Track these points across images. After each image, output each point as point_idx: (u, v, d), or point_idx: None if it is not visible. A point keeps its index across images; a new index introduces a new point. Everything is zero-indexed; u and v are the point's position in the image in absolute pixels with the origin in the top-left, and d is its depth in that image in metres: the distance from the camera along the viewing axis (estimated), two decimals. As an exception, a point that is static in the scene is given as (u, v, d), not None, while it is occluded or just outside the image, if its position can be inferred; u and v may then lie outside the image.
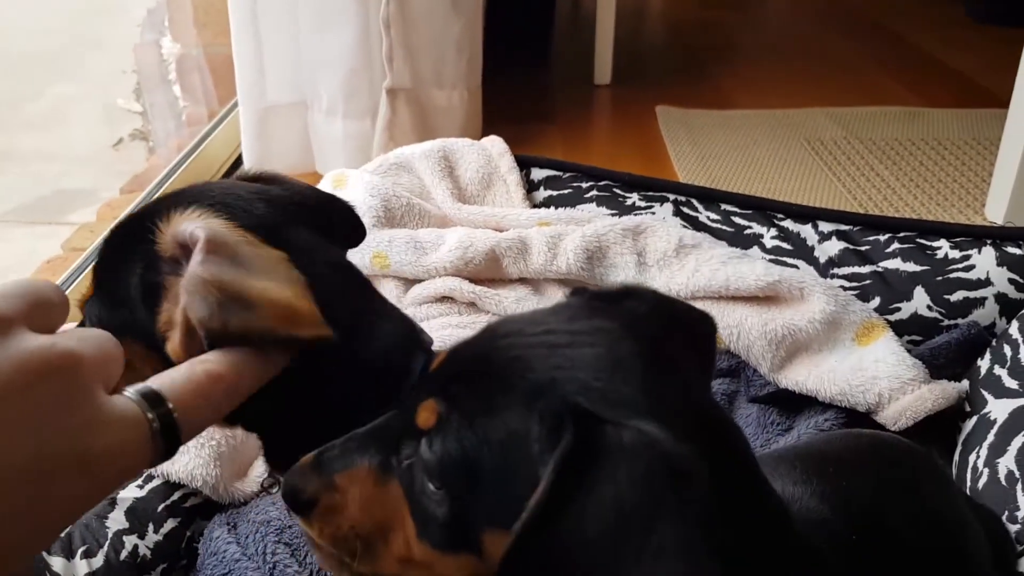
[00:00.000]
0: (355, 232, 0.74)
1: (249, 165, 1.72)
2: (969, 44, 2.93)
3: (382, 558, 0.53)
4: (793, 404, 1.11)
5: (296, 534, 0.88)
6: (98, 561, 0.88)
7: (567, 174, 1.36)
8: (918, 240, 1.20)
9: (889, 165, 2.04)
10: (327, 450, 0.54)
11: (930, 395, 1.03)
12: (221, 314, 0.54)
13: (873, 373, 1.06)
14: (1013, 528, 0.86)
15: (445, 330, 1.11)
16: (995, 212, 1.73)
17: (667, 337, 0.54)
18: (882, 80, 2.63)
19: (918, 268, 1.17)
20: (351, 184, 1.29)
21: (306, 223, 0.67)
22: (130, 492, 0.94)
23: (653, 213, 1.28)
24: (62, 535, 0.88)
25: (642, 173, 2.04)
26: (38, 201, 2.39)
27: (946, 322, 1.15)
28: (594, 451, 0.43)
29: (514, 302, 1.16)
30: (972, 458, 0.99)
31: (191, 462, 0.94)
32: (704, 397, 0.56)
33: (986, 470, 0.94)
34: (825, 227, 1.25)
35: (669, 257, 1.18)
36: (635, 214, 1.29)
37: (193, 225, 0.58)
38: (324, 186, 1.33)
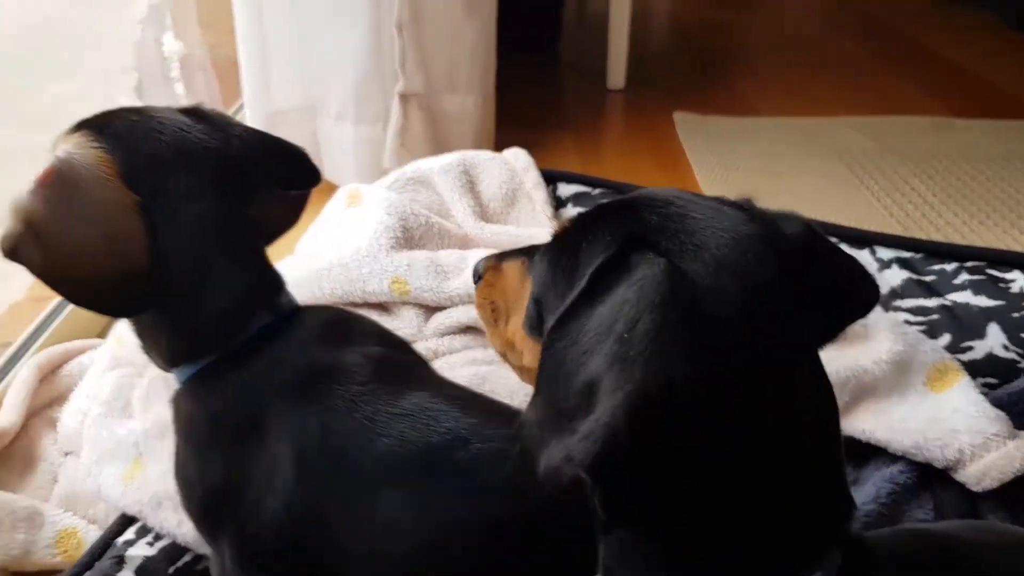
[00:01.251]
0: (300, 175, 0.79)
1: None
2: (1001, 52, 2.79)
3: (498, 333, 0.64)
4: (859, 452, 0.97)
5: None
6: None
7: (596, 190, 1.22)
8: (988, 271, 1.06)
9: (924, 179, 1.90)
10: (511, 251, 0.66)
11: (1018, 453, 0.89)
12: (13, 242, 0.63)
13: (951, 425, 0.92)
14: None
15: (468, 367, 0.97)
16: (1043, 232, 1.60)
17: (794, 258, 0.52)
18: (907, 89, 2.49)
19: (991, 303, 1.03)
20: (366, 200, 1.15)
21: (200, 169, 0.69)
22: (139, 550, 0.83)
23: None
24: None
25: (663, 182, 1.94)
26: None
27: (1024, 363, 1.02)
28: (630, 265, 0.48)
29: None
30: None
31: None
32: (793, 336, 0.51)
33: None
34: (884, 254, 1.11)
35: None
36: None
37: (61, 151, 0.65)
38: (338, 202, 1.19)
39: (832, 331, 0.59)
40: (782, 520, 0.49)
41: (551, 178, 1.24)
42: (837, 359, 0.98)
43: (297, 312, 0.76)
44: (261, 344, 0.72)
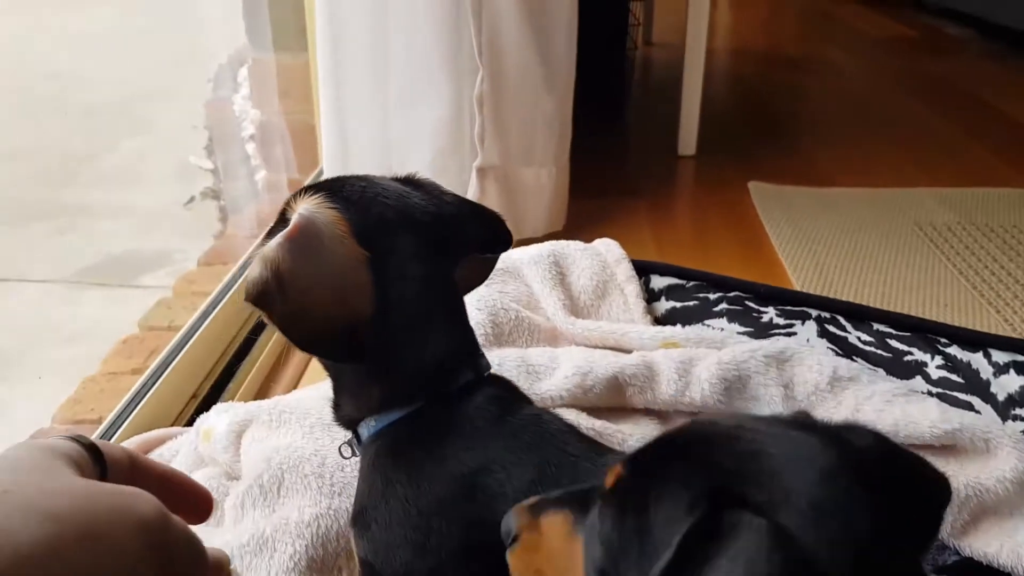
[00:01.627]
0: (496, 239, 0.82)
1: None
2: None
3: None
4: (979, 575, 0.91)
5: None
6: None
7: (691, 283, 1.17)
8: (1116, 378, 0.99)
9: (1012, 255, 1.83)
10: (547, 497, 0.58)
11: None
12: (260, 288, 0.66)
13: (1087, 553, 0.85)
14: None
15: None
16: None
17: (878, 477, 0.47)
18: (988, 159, 2.41)
19: (1121, 414, 0.97)
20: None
21: (421, 231, 0.74)
22: None
23: (795, 333, 1.09)
24: None
25: (741, 258, 1.88)
26: (111, 261, 2.28)
27: None
28: (724, 530, 0.43)
29: (639, 441, 0.97)
30: None
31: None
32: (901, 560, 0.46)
33: None
34: (1000, 357, 1.05)
35: (822, 391, 0.99)
36: (773, 333, 1.09)
37: (304, 209, 0.69)
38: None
39: (924, 542, 0.53)
40: None
41: (644, 270, 1.19)
42: (957, 476, 0.92)
43: (490, 376, 0.79)
44: (462, 399, 0.74)
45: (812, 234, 1.93)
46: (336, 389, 0.79)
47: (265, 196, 2.17)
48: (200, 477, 0.94)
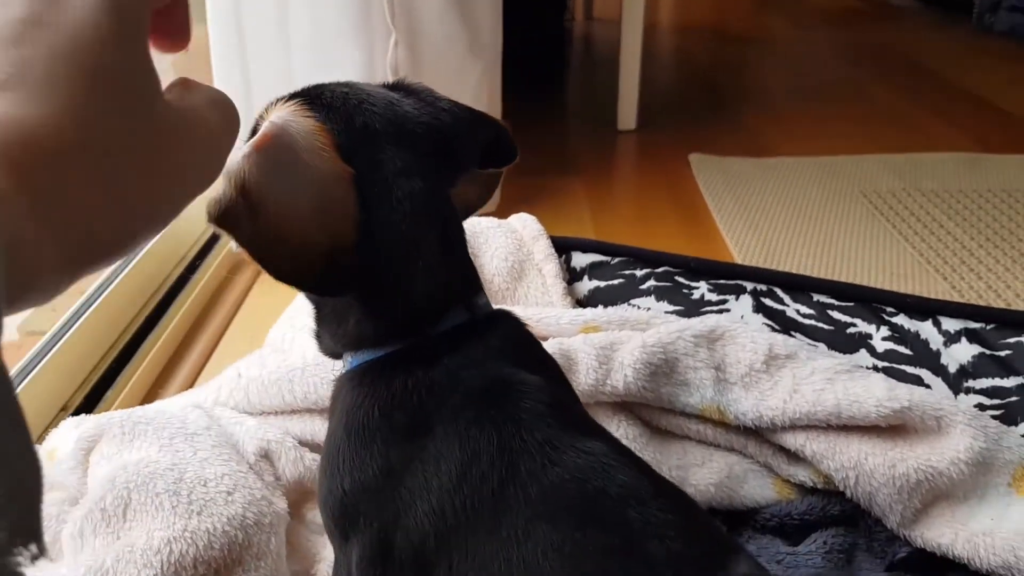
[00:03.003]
0: (500, 151, 0.72)
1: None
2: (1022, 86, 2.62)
3: None
4: (933, 567, 0.79)
5: None
6: None
7: (616, 259, 1.04)
8: (1077, 343, 0.88)
9: (958, 220, 1.73)
10: None
11: None
12: (223, 207, 0.55)
13: (1051, 541, 0.74)
14: None
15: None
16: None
17: None
18: (932, 124, 2.32)
19: (1083, 382, 0.86)
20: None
21: (414, 144, 0.65)
22: None
23: (728, 310, 0.96)
24: None
25: (683, 232, 1.76)
26: None
27: None
28: None
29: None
30: None
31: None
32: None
33: None
34: (950, 325, 0.93)
35: (757, 372, 0.86)
36: (705, 311, 0.97)
37: (276, 117, 0.59)
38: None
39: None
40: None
41: (564, 247, 1.06)
42: (906, 458, 0.80)
43: (493, 318, 0.69)
44: (451, 341, 0.65)
45: (754, 205, 1.82)
46: (317, 319, 0.71)
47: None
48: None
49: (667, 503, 0.58)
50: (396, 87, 0.70)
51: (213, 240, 1.53)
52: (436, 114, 0.68)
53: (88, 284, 1.27)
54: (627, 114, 2.26)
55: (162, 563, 0.69)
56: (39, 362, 1.04)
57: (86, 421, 0.84)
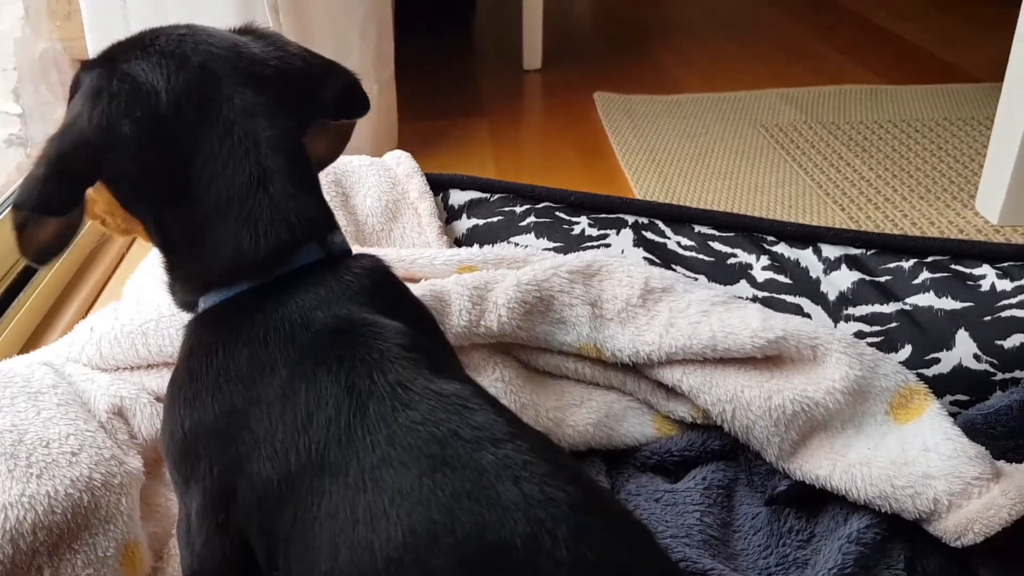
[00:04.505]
0: (351, 101, 0.72)
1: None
2: (926, 17, 2.63)
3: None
4: (814, 500, 0.78)
5: None
6: None
7: (495, 196, 0.99)
8: (953, 267, 0.87)
9: (858, 152, 1.73)
10: None
11: (1005, 500, 0.70)
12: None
13: (924, 470, 0.72)
14: None
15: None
16: (988, 207, 1.42)
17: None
18: (836, 58, 2.31)
19: (958, 305, 0.85)
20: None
21: (260, 85, 0.65)
22: None
23: (609, 244, 0.93)
24: None
25: (585, 172, 1.72)
26: None
27: (1000, 376, 0.83)
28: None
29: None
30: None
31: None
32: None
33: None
34: (830, 252, 0.92)
35: (633, 307, 0.83)
36: (585, 247, 0.93)
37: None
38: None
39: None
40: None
41: (441, 184, 1.01)
42: (782, 389, 0.78)
43: (348, 256, 0.68)
44: (303, 280, 0.64)
45: (656, 142, 1.79)
46: (167, 268, 0.69)
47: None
48: None
49: (524, 444, 0.55)
50: (245, 31, 0.69)
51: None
52: (286, 58, 0.67)
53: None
54: (532, 53, 2.21)
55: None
56: None
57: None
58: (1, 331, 1.05)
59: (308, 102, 0.68)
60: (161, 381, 0.82)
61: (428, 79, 2.09)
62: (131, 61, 0.62)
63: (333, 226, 0.68)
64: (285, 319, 0.62)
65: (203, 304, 0.66)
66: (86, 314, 1.17)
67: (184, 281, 0.68)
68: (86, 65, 0.63)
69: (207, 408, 0.61)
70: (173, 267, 0.68)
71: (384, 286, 0.68)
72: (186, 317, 0.69)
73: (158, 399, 0.81)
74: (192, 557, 0.61)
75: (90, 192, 0.64)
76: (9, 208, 0.60)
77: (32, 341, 1.09)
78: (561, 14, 2.68)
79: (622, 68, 2.24)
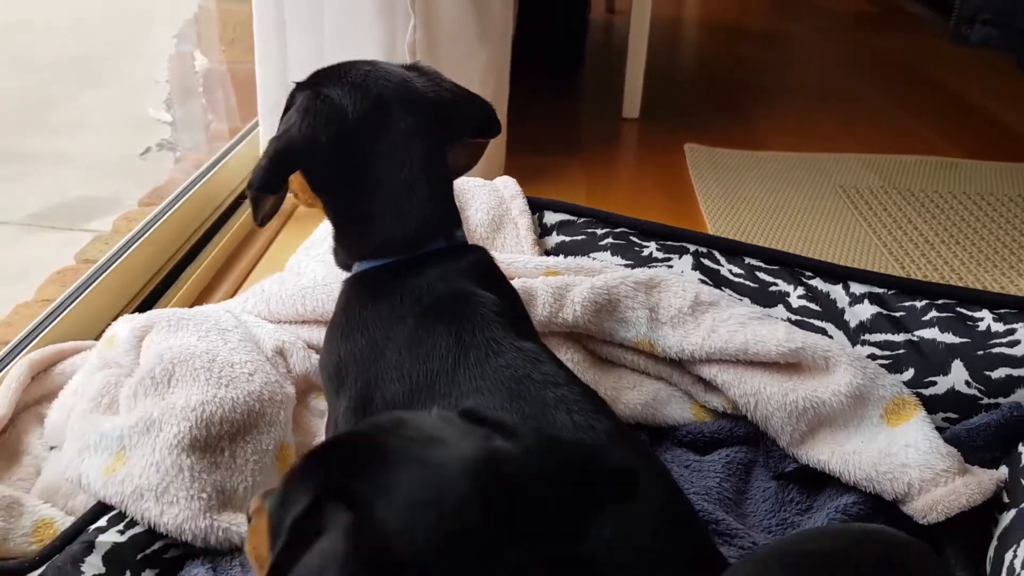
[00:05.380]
0: (485, 126, 0.97)
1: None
2: (1014, 94, 2.80)
3: None
4: (815, 481, 1.00)
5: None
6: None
7: (581, 219, 1.26)
8: (958, 309, 1.09)
9: (927, 218, 1.92)
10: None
11: (965, 490, 0.91)
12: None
13: (903, 460, 0.94)
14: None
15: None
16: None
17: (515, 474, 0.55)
18: (920, 129, 2.51)
19: (957, 340, 1.06)
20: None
21: (419, 111, 0.89)
22: (109, 536, 0.86)
23: (671, 266, 1.18)
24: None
25: (667, 212, 1.97)
26: (60, 207, 2.34)
27: (985, 401, 1.03)
28: (326, 519, 0.52)
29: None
30: (1008, 556, 0.86)
31: (181, 513, 0.86)
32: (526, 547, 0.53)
33: (1024, 574, 0.82)
34: (857, 288, 1.14)
35: (684, 315, 1.08)
36: (651, 266, 1.18)
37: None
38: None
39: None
40: None
41: (538, 206, 1.28)
42: (797, 389, 1.01)
43: (465, 247, 0.94)
44: (431, 260, 0.90)
45: (738, 193, 2.02)
46: (335, 237, 0.96)
47: (205, 146, 2.23)
48: (100, 380, 1.02)
49: (577, 389, 0.81)
50: (412, 68, 0.94)
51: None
52: (440, 92, 0.92)
53: (137, 222, 1.51)
54: (632, 103, 2.47)
55: (196, 418, 0.91)
56: (93, 282, 1.27)
57: (139, 316, 1.07)
58: (177, 291, 1.37)
59: (453, 125, 0.93)
60: (312, 333, 1.10)
61: (536, 119, 2.38)
62: (330, 87, 0.89)
63: (457, 225, 0.95)
64: (416, 286, 0.88)
65: (357, 268, 0.93)
66: (239, 287, 1.48)
67: (346, 248, 0.95)
68: (299, 86, 0.92)
69: (356, 341, 0.88)
70: (339, 237, 0.96)
71: (488, 271, 0.94)
72: (336, 285, 0.97)
73: (310, 346, 1.09)
74: None
75: (291, 177, 0.91)
76: (245, 188, 0.88)
77: (199, 301, 1.40)
78: (662, 69, 2.94)
79: (714, 123, 2.48)
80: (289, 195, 0.94)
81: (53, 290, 1.56)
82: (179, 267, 1.48)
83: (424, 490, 0.52)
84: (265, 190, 0.86)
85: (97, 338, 1.22)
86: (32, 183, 2.48)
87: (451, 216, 0.94)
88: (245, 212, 1.69)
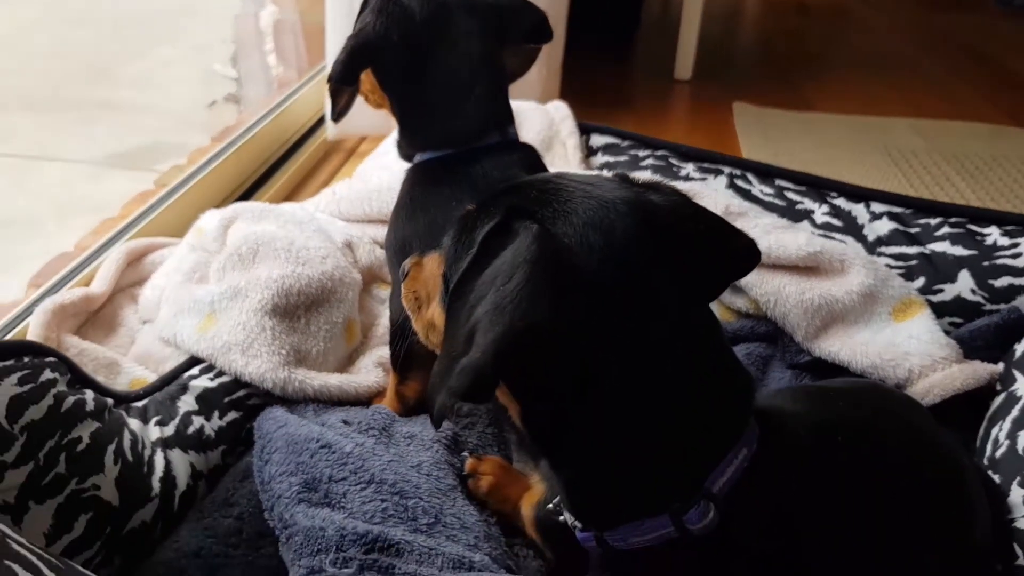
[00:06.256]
0: (538, 31, 1.07)
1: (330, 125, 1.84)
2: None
3: (420, 319, 0.74)
4: (826, 372, 1.14)
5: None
6: (169, 430, 0.97)
7: (626, 142, 1.41)
8: (968, 226, 1.22)
9: (968, 180, 2.02)
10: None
11: (960, 374, 1.04)
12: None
13: (906, 349, 1.08)
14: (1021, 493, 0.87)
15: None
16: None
17: (662, 218, 0.61)
18: (969, 97, 2.61)
19: (965, 252, 1.19)
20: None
21: (477, 15, 1.01)
22: (201, 382, 1.03)
23: (706, 183, 1.32)
24: (138, 405, 1.00)
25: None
26: (136, 150, 2.53)
27: (988, 307, 1.17)
28: (512, 232, 0.59)
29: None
30: (995, 431, 1.00)
31: (263, 365, 1.03)
32: (675, 288, 0.60)
33: (1006, 441, 0.95)
34: (877, 207, 1.27)
35: (715, 222, 1.22)
36: (688, 184, 1.33)
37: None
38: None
39: (713, 278, 0.67)
40: (691, 417, 0.59)
41: (586, 129, 1.43)
42: (814, 288, 1.15)
43: (516, 142, 1.07)
44: (486, 152, 1.02)
45: (783, 151, 2.15)
46: (400, 130, 1.08)
47: (276, 88, 2.41)
48: (191, 260, 1.20)
49: None
50: None
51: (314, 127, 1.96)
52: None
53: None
54: (684, 65, 2.61)
55: (277, 288, 1.08)
56: (172, 197, 1.47)
57: (225, 209, 1.25)
58: (268, 190, 1.56)
59: (509, 29, 1.04)
60: (377, 231, 1.27)
61: (590, 76, 2.53)
62: None
63: (510, 122, 1.08)
64: (472, 173, 1.02)
65: (418, 158, 1.07)
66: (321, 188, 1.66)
67: (409, 141, 1.08)
68: None
69: (419, 221, 1.02)
70: (403, 131, 1.08)
71: (536, 162, 1.08)
72: (396, 184, 1.12)
73: (374, 241, 1.26)
74: (396, 312, 1.03)
75: (362, 75, 1.05)
76: (325, 81, 1.04)
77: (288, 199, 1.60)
78: (719, 36, 3.08)
79: (764, 86, 2.62)
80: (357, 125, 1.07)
81: (135, 207, 1.75)
82: (255, 186, 1.66)
83: (597, 215, 0.59)
84: (343, 82, 1.02)
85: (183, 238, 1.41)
86: (106, 128, 2.68)
87: (505, 113, 1.07)
88: (316, 141, 1.87)
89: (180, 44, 3.40)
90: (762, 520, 0.60)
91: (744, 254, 0.68)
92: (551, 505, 0.76)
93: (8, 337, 1.13)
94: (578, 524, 0.65)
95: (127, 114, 2.75)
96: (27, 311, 1.15)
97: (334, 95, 1.04)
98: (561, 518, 0.68)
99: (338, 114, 1.07)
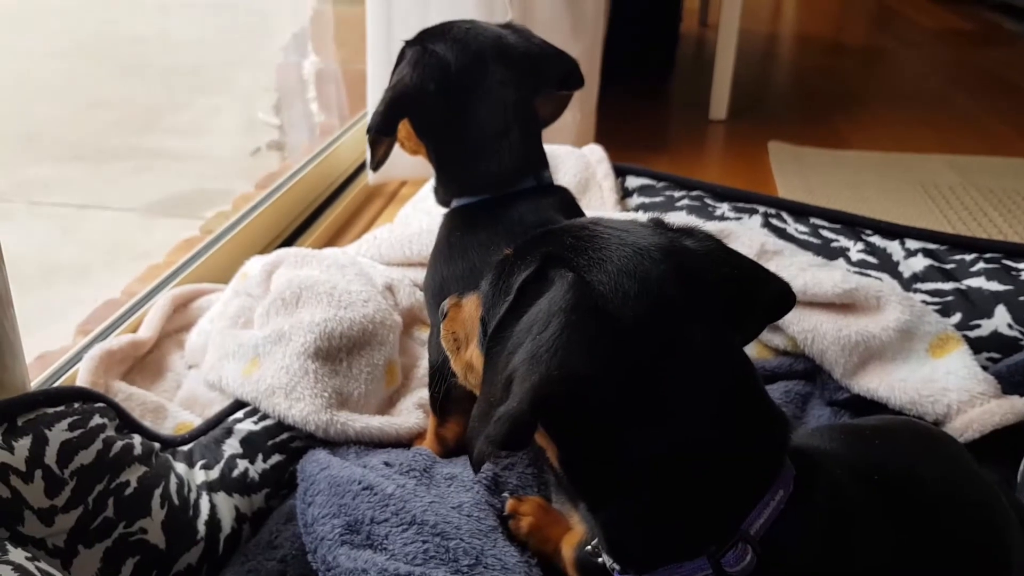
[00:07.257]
0: (569, 78, 1.10)
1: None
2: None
3: (459, 360, 0.74)
4: (865, 409, 1.13)
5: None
6: (214, 474, 0.99)
7: (661, 183, 1.42)
8: (1004, 262, 1.21)
9: (1006, 215, 2.01)
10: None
11: (998, 410, 1.04)
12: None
13: (944, 385, 1.07)
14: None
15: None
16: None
17: (696, 264, 0.62)
18: (1005, 133, 2.60)
19: (1001, 287, 1.18)
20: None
21: (511, 64, 1.03)
22: (246, 425, 1.05)
23: (741, 223, 1.33)
24: (184, 449, 1.02)
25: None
26: (181, 197, 2.59)
27: (1026, 342, 1.16)
28: (548, 281, 0.61)
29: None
30: (1035, 468, 0.99)
31: (306, 408, 1.04)
32: (710, 333, 0.61)
33: (1047, 480, 0.95)
34: (912, 244, 1.27)
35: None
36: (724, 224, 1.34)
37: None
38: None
39: (748, 322, 0.68)
40: (727, 460, 0.59)
41: (621, 171, 1.45)
42: (850, 325, 1.15)
43: (551, 186, 1.09)
44: (522, 197, 1.04)
45: (819, 189, 2.15)
46: (437, 177, 1.11)
47: (318, 135, 2.46)
48: (236, 305, 1.23)
49: None
50: (506, 26, 1.09)
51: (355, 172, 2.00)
52: (530, 46, 1.07)
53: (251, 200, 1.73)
54: (718, 105, 2.63)
55: (320, 331, 1.10)
56: (216, 244, 1.50)
57: (268, 255, 1.28)
58: (311, 235, 1.60)
59: (542, 77, 1.07)
60: (417, 274, 1.29)
61: (626, 118, 2.55)
62: (435, 42, 1.04)
63: (545, 166, 1.10)
64: (509, 217, 1.03)
65: (455, 203, 1.09)
66: (362, 233, 1.69)
67: (446, 187, 1.10)
68: (408, 43, 1.07)
69: (457, 265, 1.04)
70: (440, 177, 1.11)
71: (571, 205, 1.10)
72: (435, 228, 1.13)
73: (414, 284, 1.28)
74: (435, 353, 1.05)
75: (400, 125, 1.07)
76: (365, 133, 1.07)
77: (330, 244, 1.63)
78: (753, 77, 3.10)
79: (798, 125, 2.63)
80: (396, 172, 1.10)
81: (179, 255, 1.79)
82: (297, 232, 1.69)
83: (631, 263, 0.60)
84: (381, 132, 1.05)
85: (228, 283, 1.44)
86: (153, 177, 2.75)
87: (539, 158, 1.09)
88: (357, 187, 1.91)
89: (225, 93, 3.49)
90: (799, 562, 0.60)
91: (778, 299, 0.69)
92: (590, 547, 0.76)
93: (58, 383, 1.16)
94: (616, 566, 0.65)
95: (173, 162, 2.82)
96: (76, 357, 1.18)
97: (373, 145, 1.07)
98: (600, 560, 0.69)
99: (377, 163, 1.09)
